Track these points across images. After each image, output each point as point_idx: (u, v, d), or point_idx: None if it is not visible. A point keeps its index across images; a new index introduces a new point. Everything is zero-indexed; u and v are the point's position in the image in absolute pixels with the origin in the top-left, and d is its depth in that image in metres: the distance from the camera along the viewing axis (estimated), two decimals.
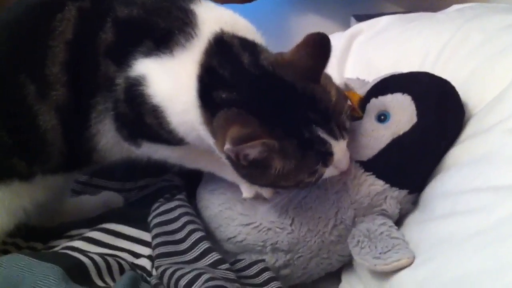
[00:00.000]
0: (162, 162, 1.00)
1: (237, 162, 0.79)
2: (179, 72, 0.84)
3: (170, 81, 0.85)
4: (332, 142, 0.80)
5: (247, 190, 0.97)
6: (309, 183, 0.84)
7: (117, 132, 0.91)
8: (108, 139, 0.93)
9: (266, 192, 0.95)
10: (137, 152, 0.95)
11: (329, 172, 0.86)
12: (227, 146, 0.75)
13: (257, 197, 0.96)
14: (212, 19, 0.87)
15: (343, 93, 0.87)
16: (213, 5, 0.91)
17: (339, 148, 0.82)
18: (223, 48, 0.84)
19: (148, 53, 0.85)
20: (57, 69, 0.86)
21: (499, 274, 0.65)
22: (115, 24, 0.87)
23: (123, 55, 0.86)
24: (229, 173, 0.97)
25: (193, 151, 0.95)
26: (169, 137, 0.89)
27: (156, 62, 0.84)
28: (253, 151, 0.76)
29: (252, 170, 0.81)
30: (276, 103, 0.79)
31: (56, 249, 0.94)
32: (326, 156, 0.81)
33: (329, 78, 0.85)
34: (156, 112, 0.86)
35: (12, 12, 0.92)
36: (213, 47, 0.84)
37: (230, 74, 0.81)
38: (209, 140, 0.84)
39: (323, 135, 0.79)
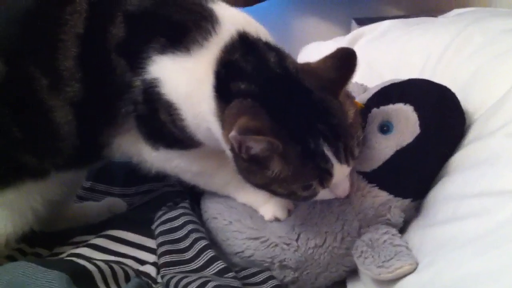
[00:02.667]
0: (175, 177, 1.01)
1: (238, 154, 0.79)
2: (195, 69, 0.84)
3: (185, 79, 0.85)
4: (335, 162, 0.79)
5: (266, 212, 0.97)
6: (301, 198, 0.83)
7: (138, 130, 0.92)
8: (128, 138, 0.93)
9: (282, 213, 0.96)
10: (149, 157, 0.95)
11: (323, 194, 0.85)
12: (233, 133, 0.74)
13: (273, 219, 0.97)
14: (232, 18, 0.87)
15: (361, 120, 0.86)
16: (228, 6, 0.91)
17: (340, 172, 0.81)
18: (248, 44, 0.84)
19: (162, 51, 0.84)
20: (70, 64, 0.85)
21: (501, 276, 0.65)
22: (126, 18, 0.86)
23: (136, 54, 0.85)
24: (245, 196, 0.99)
25: (208, 168, 0.96)
26: (181, 135, 0.89)
27: (171, 61, 0.84)
28: (256, 145, 0.76)
29: (250, 166, 0.81)
30: (291, 106, 0.79)
31: (61, 256, 0.95)
32: (325, 175, 0.80)
33: (351, 98, 0.84)
34: (170, 108, 0.86)
35: (19, 3, 0.90)
36: (235, 43, 0.84)
37: (252, 68, 0.82)
38: (217, 132, 0.84)
39: (328, 152, 0.78)
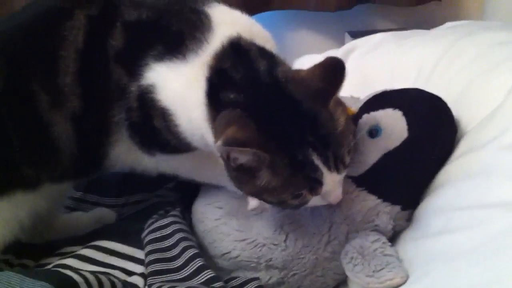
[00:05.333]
0: (172, 176, 1.02)
1: (227, 162, 0.79)
2: (189, 76, 0.84)
3: (180, 85, 0.85)
4: (324, 171, 0.78)
5: (252, 202, 0.96)
6: (292, 205, 0.83)
7: (130, 139, 0.92)
8: (122, 147, 0.93)
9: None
10: (148, 163, 0.96)
11: (315, 201, 0.84)
12: (219, 143, 0.74)
13: (259, 210, 0.96)
14: (228, 23, 0.87)
15: (353, 127, 0.86)
16: (228, 9, 0.92)
17: (331, 180, 0.80)
18: (239, 52, 0.84)
19: (160, 58, 0.85)
20: (70, 79, 0.86)
21: None
22: (124, 28, 0.86)
23: (134, 61, 0.86)
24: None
25: (202, 163, 0.97)
26: (176, 142, 0.89)
27: (168, 68, 0.85)
28: (242, 157, 0.76)
29: (240, 175, 0.81)
30: (279, 116, 0.79)
31: (48, 267, 0.94)
32: (315, 184, 0.79)
33: (342, 106, 0.83)
34: (164, 115, 0.86)
35: (18, 19, 0.91)
36: (226, 50, 0.84)
37: (242, 77, 0.82)
38: (210, 139, 0.84)
39: (317, 161, 0.77)
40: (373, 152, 0.92)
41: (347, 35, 1.93)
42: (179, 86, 0.85)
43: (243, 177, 0.81)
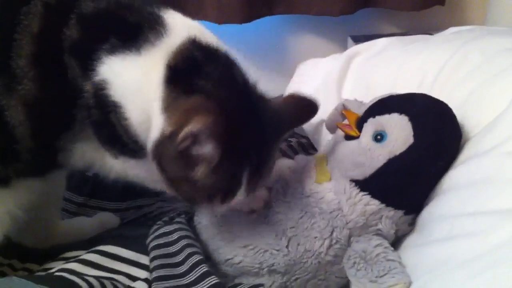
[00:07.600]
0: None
1: (170, 142, 0.79)
2: (144, 65, 0.83)
3: (132, 76, 0.84)
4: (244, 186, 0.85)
5: None
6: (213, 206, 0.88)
7: (94, 136, 0.90)
8: (90, 144, 0.90)
9: (255, 204, 0.98)
10: (112, 166, 0.94)
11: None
12: (194, 126, 0.75)
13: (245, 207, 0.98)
14: (184, 27, 0.88)
15: None
16: (182, 16, 0.92)
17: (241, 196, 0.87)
18: (200, 48, 0.86)
19: (112, 51, 0.83)
20: (24, 62, 0.83)
21: None
22: (80, 19, 0.84)
23: (87, 55, 0.84)
24: None
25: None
26: (126, 139, 0.87)
27: (120, 60, 0.83)
28: (207, 148, 0.78)
29: (178, 160, 0.81)
30: (247, 118, 0.83)
31: (52, 271, 0.93)
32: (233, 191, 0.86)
33: None
34: (116, 109, 0.84)
35: None
36: (188, 45, 0.85)
37: (210, 68, 0.83)
38: (156, 126, 0.82)
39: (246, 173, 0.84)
40: (378, 157, 0.92)
41: (349, 40, 1.94)
42: (130, 77, 0.84)
43: (179, 162, 0.81)
